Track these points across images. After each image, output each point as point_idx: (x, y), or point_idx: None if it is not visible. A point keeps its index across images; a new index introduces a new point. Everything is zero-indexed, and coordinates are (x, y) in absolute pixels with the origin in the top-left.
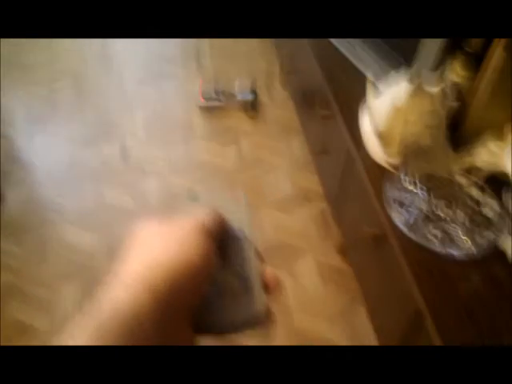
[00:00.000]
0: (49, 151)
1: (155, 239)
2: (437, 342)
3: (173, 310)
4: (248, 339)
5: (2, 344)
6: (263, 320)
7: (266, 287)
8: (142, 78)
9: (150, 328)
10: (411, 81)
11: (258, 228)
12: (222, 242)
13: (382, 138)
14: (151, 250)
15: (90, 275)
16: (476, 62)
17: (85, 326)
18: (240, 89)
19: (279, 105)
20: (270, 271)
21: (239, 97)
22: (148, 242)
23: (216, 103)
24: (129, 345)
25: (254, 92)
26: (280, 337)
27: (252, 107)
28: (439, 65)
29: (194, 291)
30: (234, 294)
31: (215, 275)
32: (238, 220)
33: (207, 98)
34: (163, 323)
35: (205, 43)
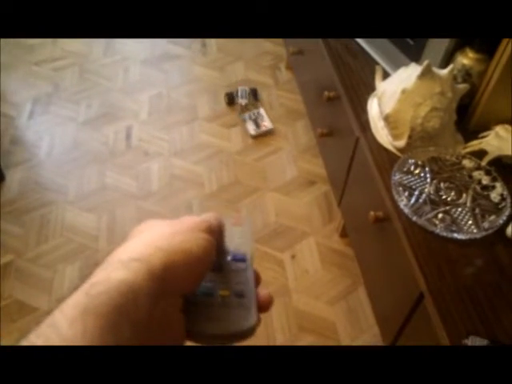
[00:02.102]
0: (50, 132)
1: (158, 228)
2: (438, 325)
3: (167, 291)
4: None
5: (3, 323)
6: (252, 333)
7: (261, 305)
8: (146, 59)
9: (144, 303)
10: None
11: (260, 211)
12: (220, 260)
13: (389, 120)
14: (153, 235)
15: (91, 256)
16: (488, 45)
17: (77, 299)
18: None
19: (284, 87)
20: (264, 290)
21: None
22: (151, 229)
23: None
24: (121, 317)
25: (253, 92)
26: (279, 316)
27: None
28: (448, 62)
29: (190, 279)
30: (229, 308)
31: (212, 288)
32: (240, 244)
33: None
34: (156, 299)
35: None
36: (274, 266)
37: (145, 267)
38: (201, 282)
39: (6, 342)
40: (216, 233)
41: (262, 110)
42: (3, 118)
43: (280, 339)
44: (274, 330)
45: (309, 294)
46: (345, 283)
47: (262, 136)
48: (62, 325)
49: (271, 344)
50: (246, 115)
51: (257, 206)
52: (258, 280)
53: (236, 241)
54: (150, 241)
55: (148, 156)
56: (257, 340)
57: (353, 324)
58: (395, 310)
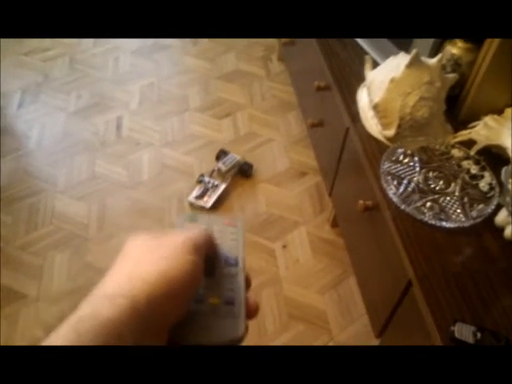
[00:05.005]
0: (40, 121)
1: (143, 253)
2: (426, 312)
3: (152, 325)
4: None
5: None
6: (240, 342)
7: (248, 312)
8: (136, 49)
9: (128, 340)
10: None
11: (252, 201)
12: (213, 264)
13: (378, 109)
14: (138, 264)
15: (80, 244)
16: None
17: (64, 334)
18: None
19: (276, 78)
20: (252, 297)
21: None
22: (136, 255)
23: None
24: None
25: (245, 166)
26: (269, 305)
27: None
28: (437, 51)
29: (176, 308)
30: (218, 317)
31: (203, 295)
32: (232, 246)
33: None
34: (141, 337)
35: None
36: (265, 256)
37: (129, 304)
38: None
39: None
40: (203, 249)
41: (222, 188)
42: None
43: (270, 327)
44: (264, 318)
45: (299, 283)
46: (335, 273)
47: (194, 208)
48: None
49: (261, 332)
50: (207, 179)
51: (248, 196)
52: (248, 284)
53: (229, 242)
54: (134, 271)
55: (139, 146)
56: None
57: (343, 313)
58: (384, 298)
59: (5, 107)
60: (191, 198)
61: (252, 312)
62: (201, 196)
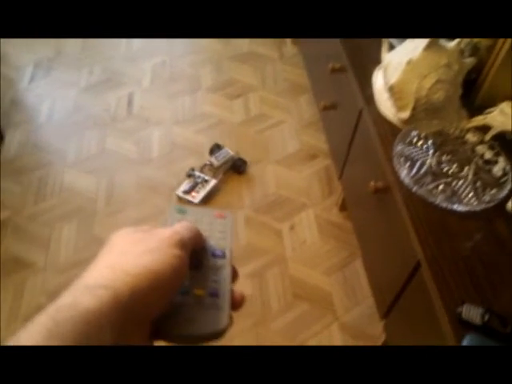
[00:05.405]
0: (51, 95)
1: (128, 245)
2: (434, 293)
3: (133, 317)
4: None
5: (2, 278)
6: (223, 334)
7: (233, 304)
8: None
9: (108, 331)
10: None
11: (261, 182)
12: (199, 257)
13: (394, 91)
14: (122, 255)
15: (88, 217)
16: None
17: (42, 323)
18: None
19: (289, 61)
20: (238, 289)
21: None
22: (120, 247)
23: None
24: (84, 345)
25: (238, 162)
26: (274, 283)
27: None
28: None
29: (159, 301)
30: (202, 309)
31: (188, 287)
32: (220, 238)
33: None
34: (122, 328)
35: None
36: (272, 236)
37: (111, 295)
38: (169, 303)
39: (3, 296)
40: (189, 244)
41: (212, 183)
42: (4, 80)
43: (275, 306)
44: (269, 296)
45: (305, 263)
46: (342, 255)
47: (182, 202)
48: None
49: (266, 310)
50: (197, 173)
51: (257, 176)
52: (234, 276)
53: (217, 235)
54: (117, 263)
55: (149, 123)
56: (251, 306)
57: (348, 295)
58: (391, 280)
59: (16, 80)
60: (179, 191)
61: (237, 304)
62: (189, 190)
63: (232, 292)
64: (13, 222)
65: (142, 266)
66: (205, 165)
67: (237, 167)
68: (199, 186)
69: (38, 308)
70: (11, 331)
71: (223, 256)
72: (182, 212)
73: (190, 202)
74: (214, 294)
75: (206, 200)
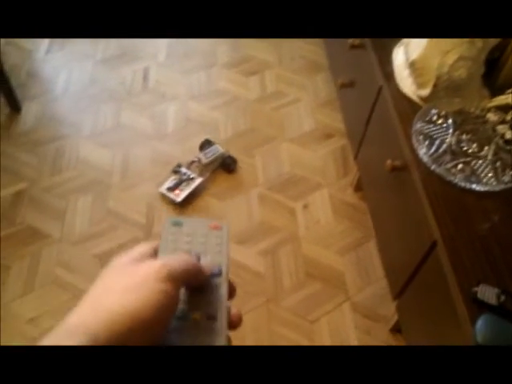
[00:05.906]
0: (67, 67)
1: (114, 280)
2: (449, 272)
3: None
4: None
5: (16, 247)
6: None
7: (230, 323)
8: None
9: None
10: None
11: (275, 159)
12: (200, 288)
13: (415, 67)
14: (105, 292)
15: (103, 190)
16: None
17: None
18: None
19: (306, 39)
20: (235, 309)
21: None
22: (107, 282)
23: None
24: None
25: (228, 160)
26: (287, 261)
27: None
28: None
29: (141, 342)
30: (199, 334)
31: (185, 311)
32: (217, 252)
33: None
34: None
35: None
36: (286, 214)
37: (89, 341)
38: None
39: (18, 265)
40: (180, 277)
41: (197, 182)
42: (20, 51)
43: (287, 283)
44: (281, 274)
45: (319, 243)
46: (356, 235)
47: (163, 199)
48: None
49: (278, 287)
50: (183, 170)
51: (272, 154)
52: (231, 293)
53: (213, 248)
54: (101, 303)
55: (164, 98)
56: (263, 283)
57: (361, 275)
58: (406, 260)
59: (33, 51)
60: (163, 188)
61: (234, 323)
62: (173, 188)
63: (229, 311)
64: (29, 194)
65: (124, 306)
66: (192, 161)
67: (226, 165)
68: (184, 183)
69: (53, 278)
70: (26, 301)
71: (220, 273)
72: (177, 224)
73: (172, 201)
74: (211, 317)
75: (189, 200)
